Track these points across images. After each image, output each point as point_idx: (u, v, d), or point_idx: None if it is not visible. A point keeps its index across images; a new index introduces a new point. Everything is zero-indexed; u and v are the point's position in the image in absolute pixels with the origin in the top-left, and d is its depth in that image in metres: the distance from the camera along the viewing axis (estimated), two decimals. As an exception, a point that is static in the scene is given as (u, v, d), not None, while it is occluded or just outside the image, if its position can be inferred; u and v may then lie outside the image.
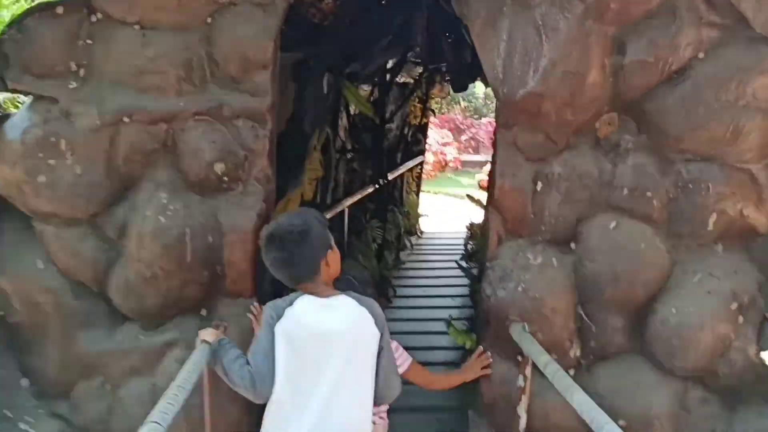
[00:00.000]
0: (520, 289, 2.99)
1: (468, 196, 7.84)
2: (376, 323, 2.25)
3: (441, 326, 6.75)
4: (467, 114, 25.41)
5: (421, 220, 10.67)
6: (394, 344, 2.62)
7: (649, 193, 2.92)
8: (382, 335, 2.26)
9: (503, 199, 3.10)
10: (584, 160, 3.00)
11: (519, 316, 2.97)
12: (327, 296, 2.27)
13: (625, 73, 2.82)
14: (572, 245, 3.06)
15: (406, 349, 2.80)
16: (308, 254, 2.29)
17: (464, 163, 21.58)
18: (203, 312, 3.21)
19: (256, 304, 3.03)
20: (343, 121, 6.79)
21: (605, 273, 2.94)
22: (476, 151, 24.50)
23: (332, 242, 2.41)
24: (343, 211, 5.47)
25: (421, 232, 10.52)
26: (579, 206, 3.02)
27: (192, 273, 3.09)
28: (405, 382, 2.59)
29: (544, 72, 2.78)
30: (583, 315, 3.01)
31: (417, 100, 9.44)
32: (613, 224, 2.96)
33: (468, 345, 3.75)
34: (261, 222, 3.10)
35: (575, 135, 2.99)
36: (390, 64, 7.05)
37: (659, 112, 2.85)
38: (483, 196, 10.30)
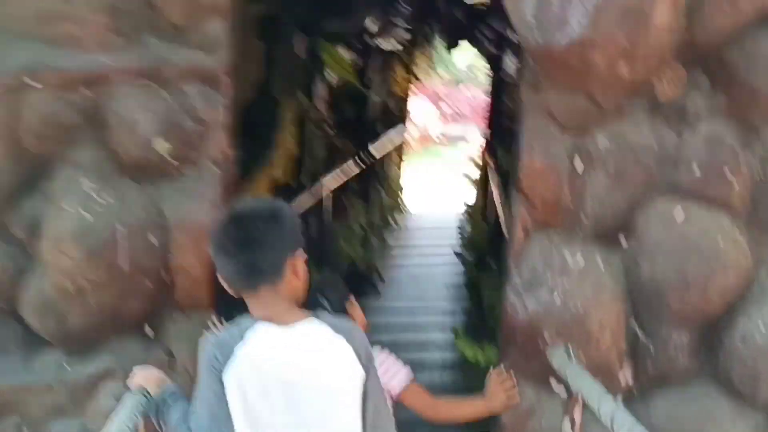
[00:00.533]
0: (556, 298, 2.31)
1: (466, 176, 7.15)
2: (360, 358, 1.56)
3: (434, 320, 6.19)
4: (448, 84, 24.64)
5: (406, 198, 9.97)
6: (383, 355, 2.01)
7: (726, 172, 2.24)
8: (367, 374, 1.58)
9: (532, 182, 2.40)
10: (639, 130, 2.31)
11: (555, 332, 2.30)
12: (290, 323, 1.57)
13: (705, 10, 2.11)
14: (622, 240, 2.37)
15: (395, 350, 2.11)
16: (276, 243, 1.63)
17: (445, 136, 20.93)
18: (148, 331, 2.51)
19: (215, 318, 2.34)
20: (321, 90, 6.04)
21: (668, 277, 2.26)
22: (457, 122, 23.82)
23: (303, 244, 1.72)
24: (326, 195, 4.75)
25: (407, 211, 9.82)
26: (632, 190, 2.33)
27: (129, 283, 2.39)
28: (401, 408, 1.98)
29: (596, 11, 2.05)
30: (638, 330, 2.34)
31: (401, 67, 8.69)
32: (678, 213, 2.28)
33: (480, 360, 3.07)
34: (218, 211, 2.40)
35: (628, 97, 2.29)
36: (372, 27, 6.31)
37: (746, 63, 2.16)
38: (475, 172, 9.83)
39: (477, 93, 24.82)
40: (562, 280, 2.34)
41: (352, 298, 2.02)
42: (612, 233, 2.38)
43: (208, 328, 2.24)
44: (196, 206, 2.45)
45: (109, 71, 2.35)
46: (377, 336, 1.93)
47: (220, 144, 2.49)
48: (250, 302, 1.60)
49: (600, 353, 2.31)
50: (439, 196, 12.35)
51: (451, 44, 5.89)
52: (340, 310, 1.94)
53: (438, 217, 10.31)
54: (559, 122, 2.36)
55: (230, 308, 1.84)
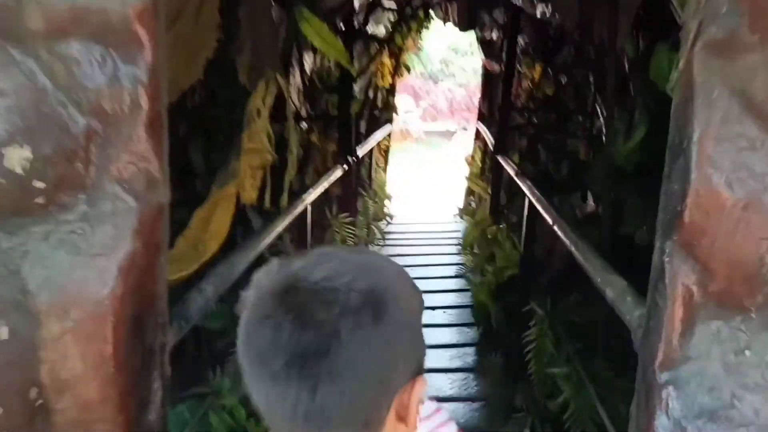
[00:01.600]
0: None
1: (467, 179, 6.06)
2: None
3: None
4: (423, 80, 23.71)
5: (390, 204, 8.87)
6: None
7: None
8: None
9: (709, 226, 1.31)
10: None
11: None
12: None
13: None
14: None
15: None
16: (374, 367, 0.84)
17: (425, 133, 19.96)
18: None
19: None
20: (296, 77, 4.91)
21: None
22: (435, 119, 22.97)
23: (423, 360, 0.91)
24: (305, 210, 3.61)
25: (391, 217, 8.71)
26: None
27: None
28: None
29: None
30: None
31: (388, 55, 7.58)
32: None
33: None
34: (135, 281, 1.32)
35: None
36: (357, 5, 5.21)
37: None
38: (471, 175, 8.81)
39: (454, 89, 24.01)
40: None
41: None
42: None
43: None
44: (90, 269, 1.33)
45: None
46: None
47: (137, 154, 1.37)
48: None
49: None
50: (425, 199, 11.27)
51: (467, 25, 4.78)
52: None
53: (426, 223, 9.25)
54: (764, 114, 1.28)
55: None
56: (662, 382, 1.38)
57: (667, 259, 1.38)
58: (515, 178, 4.06)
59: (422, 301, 1.02)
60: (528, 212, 3.56)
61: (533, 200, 3.34)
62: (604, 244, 2.89)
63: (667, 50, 2.57)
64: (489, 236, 4.41)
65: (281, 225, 2.95)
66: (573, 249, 2.42)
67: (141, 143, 1.39)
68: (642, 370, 1.48)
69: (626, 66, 3.45)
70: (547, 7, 4.10)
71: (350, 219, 5.29)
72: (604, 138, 4.11)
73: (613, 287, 1.79)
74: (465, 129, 21.02)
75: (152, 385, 1.50)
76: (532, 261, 3.64)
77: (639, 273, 2.26)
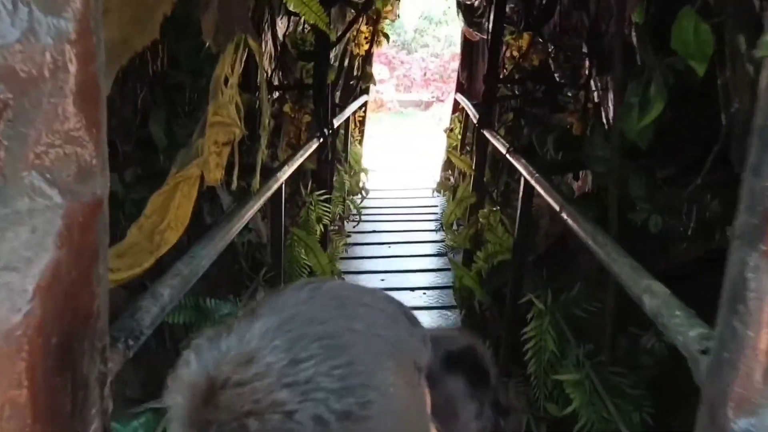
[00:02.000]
0: None
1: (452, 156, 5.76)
2: None
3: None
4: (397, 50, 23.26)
5: (366, 177, 8.54)
6: None
7: None
8: None
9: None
10: None
11: None
12: None
13: None
14: None
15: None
16: None
17: (399, 103, 19.57)
18: None
19: None
20: (268, 43, 4.52)
21: None
22: (409, 90, 22.60)
23: None
24: (280, 189, 3.27)
25: (367, 192, 8.39)
26: None
27: None
28: None
29: None
30: None
31: (365, 22, 7.18)
32: None
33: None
34: (60, 300, 1.00)
35: None
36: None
37: None
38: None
39: (427, 59, 23.59)
40: None
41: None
42: None
43: None
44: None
45: None
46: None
47: (63, 133, 1.03)
48: None
49: None
50: (400, 171, 10.94)
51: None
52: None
53: (402, 197, 8.97)
54: None
55: None
56: (738, 430, 1.09)
57: (750, 275, 1.08)
58: (508, 156, 3.75)
59: (427, 351, 0.72)
60: (523, 194, 3.25)
61: (532, 181, 3.04)
62: (612, 231, 2.60)
63: (693, 14, 2.27)
64: (481, 219, 4.11)
65: (252, 209, 2.62)
66: (591, 243, 2.12)
67: (69, 119, 1.05)
68: (708, 412, 1.19)
69: (633, 34, 3.14)
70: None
71: (326, 196, 4.95)
72: (604, 112, 3.81)
73: (651, 296, 1.50)
74: (440, 100, 20.67)
75: (88, 429, 1.18)
76: (527, 247, 3.35)
77: (654, 266, 1.99)
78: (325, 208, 4.87)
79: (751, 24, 2.13)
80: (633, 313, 2.73)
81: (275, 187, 3.07)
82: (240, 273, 3.46)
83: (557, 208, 2.50)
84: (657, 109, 2.47)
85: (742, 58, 2.19)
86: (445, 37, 23.92)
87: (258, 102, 2.47)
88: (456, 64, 21.83)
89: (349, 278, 5.70)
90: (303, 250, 4.13)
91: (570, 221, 2.32)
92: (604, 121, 3.74)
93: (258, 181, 2.56)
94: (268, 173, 3.22)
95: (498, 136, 4.44)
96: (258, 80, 2.48)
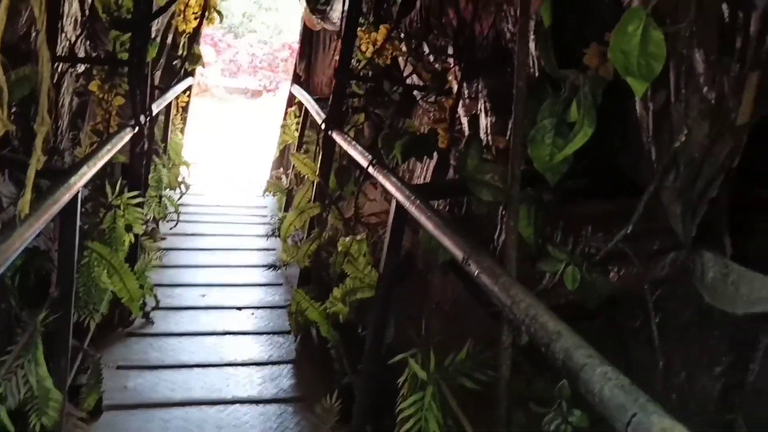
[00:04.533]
0: None
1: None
2: None
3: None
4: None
5: (188, 170, 7.56)
6: None
7: None
8: None
9: None
10: None
11: None
12: None
13: None
14: None
15: None
16: None
17: (225, 89, 18.43)
18: None
19: None
20: (73, 3, 3.56)
21: None
22: (235, 75, 21.52)
23: None
24: (74, 199, 2.40)
25: (187, 187, 7.42)
26: None
27: None
28: None
29: None
30: None
31: (194, -6, 6.25)
32: None
33: None
34: None
35: None
36: None
37: None
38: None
39: (255, 45, 22.58)
40: None
41: None
42: None
43: None
44: None
45: None
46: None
47: None
48: None
49: None
50: (228, 166, 10.02)
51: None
52: None
53: (228, 195, 8.11)
54: None
55: None
56: None
57: None
58: (372, 171, 3.13)
59: None
60: (394, 219, 2.65)
61: (410, 207, 2.43)
62: (511, 273, 2.06)
63: (644, 17, 1.77)
64: (340, 247, 3.42)
65: (23, 238, 1.76)
66: (498, 292, 1.57)
67: None
68: None
69: (532, 37, 2.65)
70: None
71: (139, 199, 4.04)
72: (484, 124, 3.32)
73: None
74: (269, 90, 19.81)
75: None
76: (393, 283, 2.75)
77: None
78: (138, 213, 3.96)
79: (713, 37, 1.69)
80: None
81: (66, 198, 2.21)
82: (8, 315, 2.51)
83: (459, 256, 1.92)
84: (584, 136, 1.97)
85: (697, 80, 1.74)
86: (275, 24, 23.08)
87: (39, 76, 1.61)
88: (286, 53, 21.08)
89: (163, 292, 4.81)
90: (105, 271, 3.24)
91: (481, 277, 1.75)
92: (483, 136, 3.24)
93: (29, 202, 1.70)
94: (58, 178, 2.34)
95: (354, 143, 3.82)
96: (38, 45, 1.64)
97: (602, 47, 2.34)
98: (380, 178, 2.96)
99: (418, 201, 2.38)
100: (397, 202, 2.61)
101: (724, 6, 1.63)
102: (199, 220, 6.94)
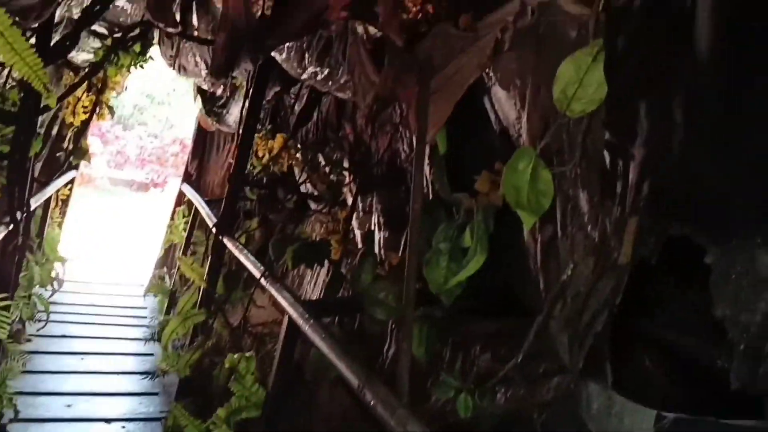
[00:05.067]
0: None
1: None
2: None
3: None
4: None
5: (63, 266, 7.14)
6: None
7: None
8: None
9: None
10: None
11: None
12: None
13: None
14: None
15: None
16: None
17: (110, 180, 17.90)
18: None
19: None
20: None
21: None
22: (122, 167, 21.00)
23: None
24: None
25: (60, 283, 6.98)
26: None
27: None
28: None
29: None
30: None
31: (86, 88, 6.12)
32: None
33: None
34: None
35: None
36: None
37: None
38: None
39: (145, 138, 22.25)
40: None
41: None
42: None
43: None
44: None
45: None
46: None
47: None
48: None
49: None
50: (108, 263, 9.56)
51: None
52: None
53: (110, 298, 7.71)
54: None
55: None
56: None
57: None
58: (265, 284, 3.07)
59: None
60: (286, 336, 2.59)
61: (303, 326, 2.39)
62: (402, 398, 2.05)
63: (532, 157, 1.89)
64: (227, 364, 3.26)
65: None
66: (395, 426, 1.53)
67: None
68: None
69: (427, 162, 2.75)
70: (322, 72, 3.29)
71: (5, 302, 3.75)
72: (378, 239, 3.37)
73: None
74: (156, 184, 19.39)
75: None
76: (281, 402, 2.65)
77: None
78: (3, 317, 3.67)
79: (596, 181, 1.82)
80: None
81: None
82: None
83: (354, 383, 1.89)
84: (477, 263, 2.04)
85: (581, 218, 1.86)
86: (166, 118, 22.92)
87: None
88: (177, 148, 20.85)
89: (24, 401, 4.41)
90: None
91: (377, 408, 1.72)
92: (377, 250, 3.29)
93: None
94: None
95: (246, 252, 3.76)
96: None
97: (492, 175, 2.47)
98: (273, 291, 2.91)
99: (312, 320, 2.35)
100: (290, 319, 2.57)
101: (606, 153, 1.77)
102: (70, 320, 6.51)
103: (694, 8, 1.61)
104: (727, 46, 1.56)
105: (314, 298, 4.49)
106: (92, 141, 15.90)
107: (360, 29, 2.99)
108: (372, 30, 2.94)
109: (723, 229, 1.48)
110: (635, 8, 1.73)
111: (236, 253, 3.87)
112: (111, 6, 4.25)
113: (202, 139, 8.13)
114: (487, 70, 2.38)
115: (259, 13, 3.45)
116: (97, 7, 3.36)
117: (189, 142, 9.70)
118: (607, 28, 1.79)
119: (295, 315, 2.51)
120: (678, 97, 1.61)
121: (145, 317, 6.95)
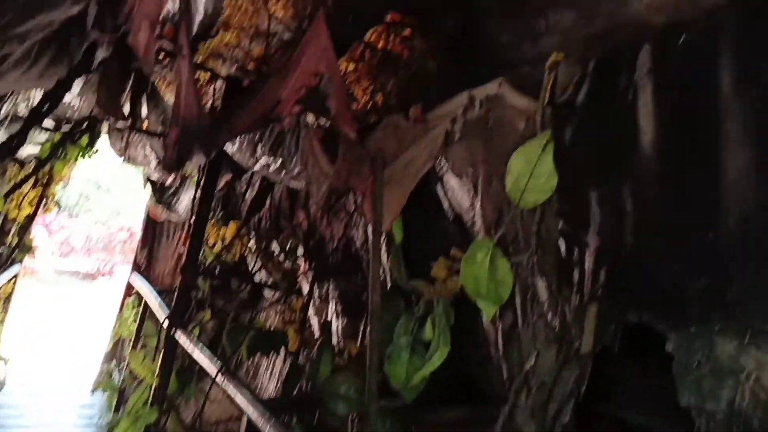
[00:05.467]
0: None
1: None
2: None
3: None
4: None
5: (4, 367, 6.82)
6: None
7: None
8: None
9: None
10: None
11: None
12: None
13: None
14: None
15: None
16: None
17: (56, 271, 17.37)
18: None
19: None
20: None
21: None
22: (67, 257, 20.42)
23: None
24: None
25: (2, 385, 6.65)
26: None
27: None
28: None
29: None
30: None
31: (32, 183, 6.00)
32: None
33: None
34: None
35: None
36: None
37: None
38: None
39: (91, 226, 21.82)
40: None
41: None
42: None
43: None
44: None
45: None
46: None
47: None
48: None
49: None
50: (53, 359, 9.15)
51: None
52: None
53: (55, 396, 7.36)
54: None
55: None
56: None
57: None
58: (219, 380, 2.98)
59: None
60: (245, 435, 2.49)
61: (263, 426, 2.30)
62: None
63: (490, 248, 1.91)
64: None
65: None
66: None
67: None
68: None
69: (384, 250, 2.75)
70: (275, 163, 3.30)
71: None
72: (336, 327, 3.31)
73: None
74: (104, 273, 18.90)
75: None
76: None
77: None
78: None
79: (553, 269, 1.84)
80: None
81: None
82: None
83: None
84: (440, 357, 2.01)
85: (541, 306, 1.87)
86: (113, 205, 22.58)
87: None
88: (125, 235, 20.45)
89: None
90: None
91: None
92: (336, 341, 3.23)
93: None
94: None
95: (201, 346, 3.65)
96: None
97: (448, 261, 2.48)
98: (230, 390, 2.82)
99: (273, 420, 2.27)
100: (249, 420, 2.47)
101: (561, 241, 1.80)
102: (9, 424, 6.16)
103: (635, 101, 1.68)
104: (670, 137, 1.62)
105: (271, 388, 4.37)
106: (37, 231, 15.53)
107: (311, 119, 3.03)
108: (323, 120, 2.98)
109: (680, 316, 1.50)
110: (579, 102, 1.80)
111: (190, 348, 3.75)
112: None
113: (152, 228, 8.00)
114: (439, 158, 2.43)
115: (209, 106, 3.48)
116: (46, 107, 3.33)
117: (137, 230, 9.55)
118: (554, 121, 1.85)
119: (255, 415, 2.42)
120: (626, 187, 1.66)
121: (93, 416, 6.64)
